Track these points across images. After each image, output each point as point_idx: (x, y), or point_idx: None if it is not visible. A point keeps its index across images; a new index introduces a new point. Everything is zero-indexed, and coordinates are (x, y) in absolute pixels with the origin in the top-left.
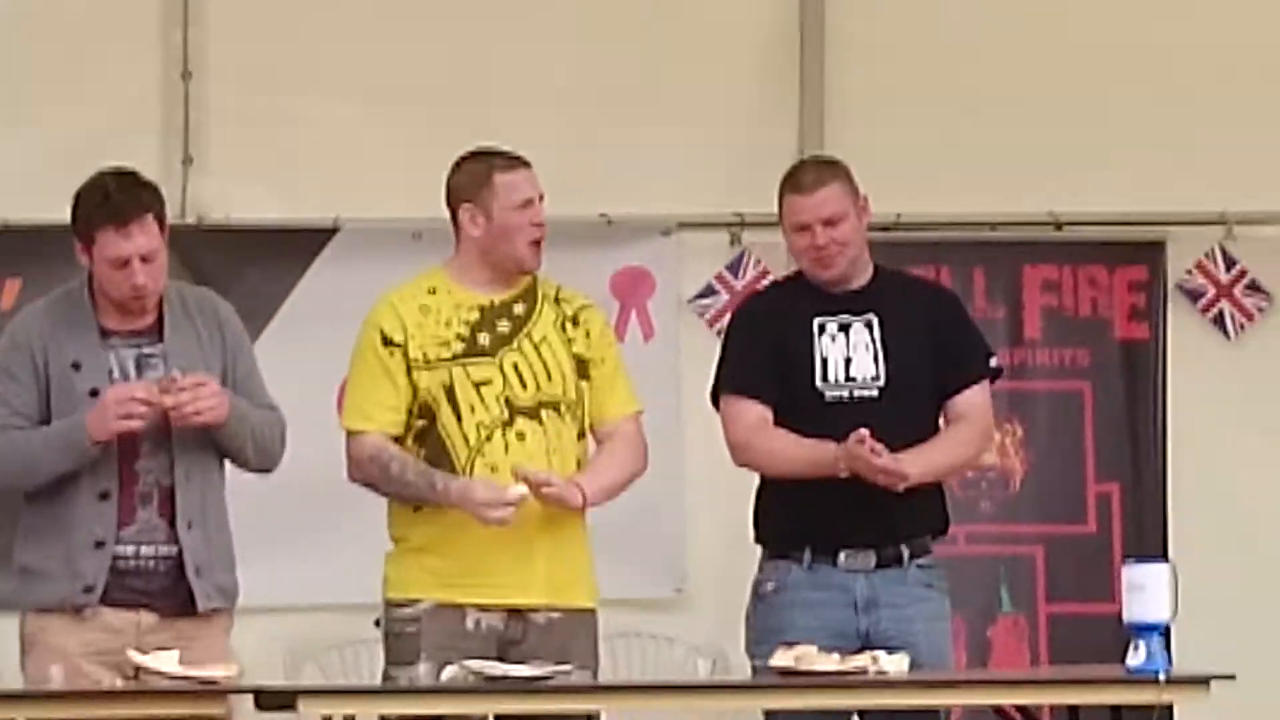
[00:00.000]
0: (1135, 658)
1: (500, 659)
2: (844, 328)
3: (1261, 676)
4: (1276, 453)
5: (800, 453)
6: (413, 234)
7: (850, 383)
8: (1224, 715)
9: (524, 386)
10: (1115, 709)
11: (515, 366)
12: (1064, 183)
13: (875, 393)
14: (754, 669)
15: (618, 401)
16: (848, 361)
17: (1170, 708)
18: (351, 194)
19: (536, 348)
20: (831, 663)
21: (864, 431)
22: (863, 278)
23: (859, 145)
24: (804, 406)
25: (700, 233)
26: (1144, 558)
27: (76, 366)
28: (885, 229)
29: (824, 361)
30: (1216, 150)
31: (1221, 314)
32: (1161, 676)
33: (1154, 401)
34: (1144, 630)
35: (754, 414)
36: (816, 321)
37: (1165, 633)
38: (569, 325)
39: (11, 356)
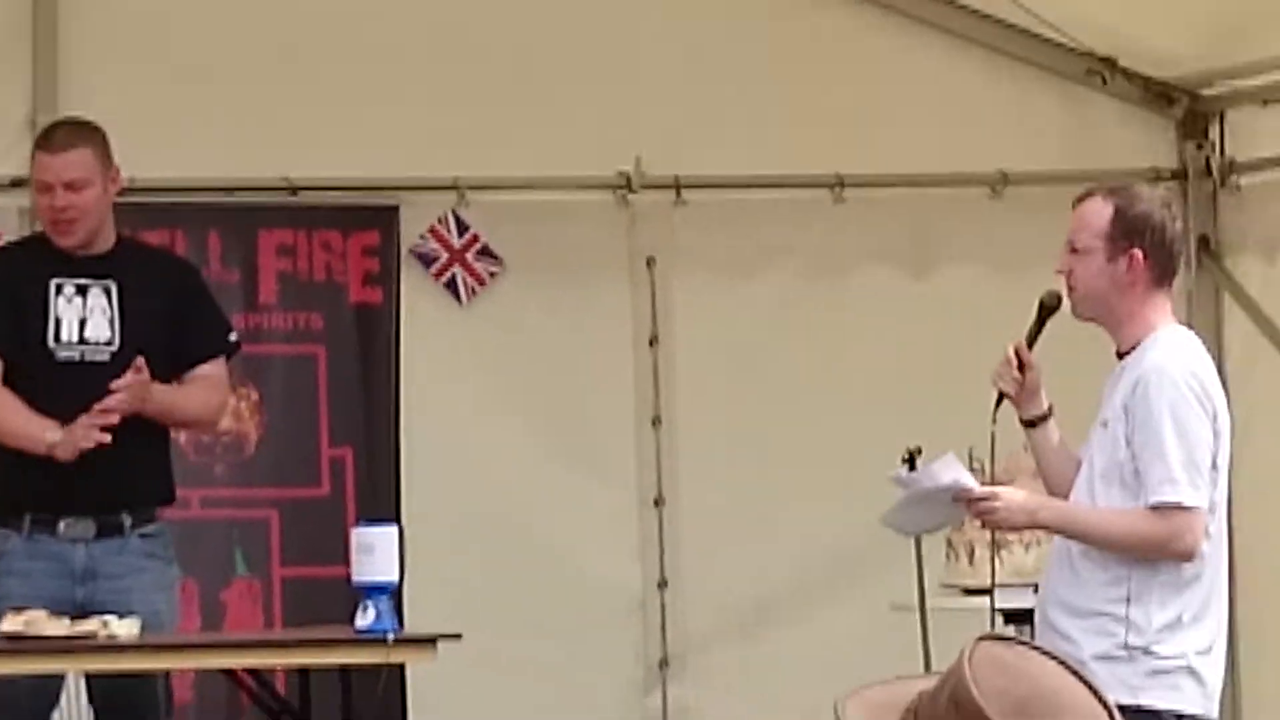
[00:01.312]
0: (364, 618)
1: None
2: (81, 290)
3: (492, 635)
4: (504, 416)
5: (13, 424)
6: None
7: (83, 345)
8: (454, 674)
9: None
10: (345, 669)
11: None
12: (299, 147)
13: (107, 357)
14: None
15: None
16: (82, 323)
17: (402, 667)
18: None
19: None
20: (62, 627)
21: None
22: (105, 245)
23: (95, 104)
24: (36, 365)
25: None
26: (374, 520)
27: None
28: (121, 191)
29: (58, 322)
30: (450, 116)
31: (454, 279)
32: (390, 637)
33: (387, 365)
34: (373, 591)
35: None
36: (54, 282)
37: (396, 594)
38: None
39: None
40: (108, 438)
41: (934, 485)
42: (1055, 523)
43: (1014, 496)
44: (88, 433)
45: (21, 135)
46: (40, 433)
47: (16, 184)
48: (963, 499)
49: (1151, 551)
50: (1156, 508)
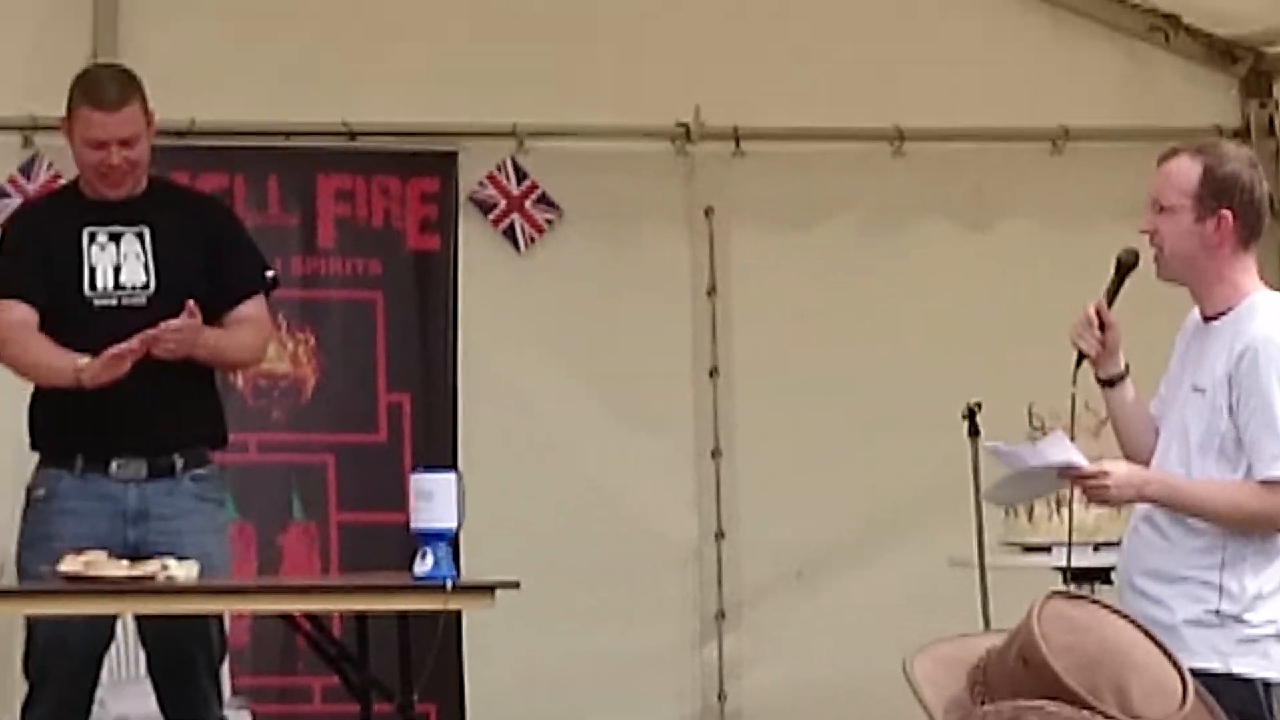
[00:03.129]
0: (423, 565)
1: None
2: (115, 237)
3: (547, 584)
4: (562, 365)
5: (43, 358)
6: None
7: (120, 291)
8: (510, 622)
9: None
10: (403, 615)
11: None
12: (359, 93)
13: (144, 301)
14: (20, 573)
15: None
16: (117, 270)
17: (459, 614)
18: None
19: None
20: (121, 569)
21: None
22: (138, 189)
23: (153, 48)
24: (73, 314)
25: None
26: (432, 467)
27: None
28: (179, 134)
29: (92, 270)
30: (510, 63)
31: (512, 226)
32: (448, 584)
33: (445, 312)
34: (431, 538)
35: (16, 315)
36: (87, 230)
37: (453, 541)
38: None
39: None
40: (127, 365)
41: (1042, 464)
42: (1162, 496)
43: (1119, 471)
44: (116, 360)
45: None
46: (69, 362)
47: None
48: (1071, 476)
49: (1259, 526)
50: (1267, 482)
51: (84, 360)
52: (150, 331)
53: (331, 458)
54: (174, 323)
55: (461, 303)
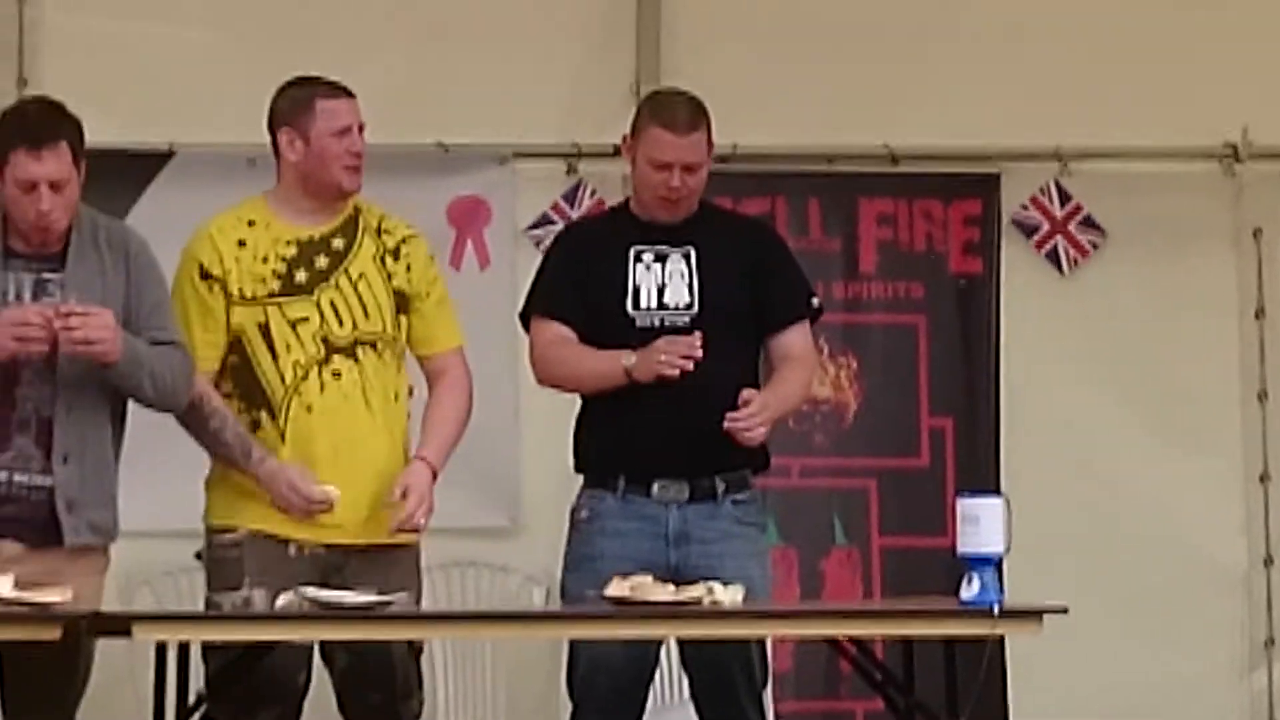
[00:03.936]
0: (969, 590)
1: (324, 585)
2: (661, 257)
3: (1092, 609)
4: (1106, 388)
5: (588, 364)
6: (247, 160)
7: (663, 310)
8: (1054, 648)
9: (341, 324)
10: (948, 641)
11: (332, 304)
12: (900, 116)
13: (687, 320)
14: (564, 595)
15: (444, 335)
16: (661, 289)
17: (1002, 640)
18: (186, 119)
19: (354, 284)
20: (667, 593)
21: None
22: (690, 213)
23: (696, 75)
24: (615, 332)
25: (536, 162)
26: (977, 491)
27: None
28: (722, 159)
29: (636, 289)
30: (1052, 84)
31: (1056, 249)
32: (995, 609)
33: (987, 336)
34: (977, 563)
35: (556, 332)
36: (634, 250)
37: (998, 566)
38: (389, 259)
39: None
40: (687, 365)
41: None
42: None
43: None
44: (669, 358)
45: (625, 105)
46: (616, 360)
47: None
48: None
49: None
50: None
51: (629, 358)
52: (691, 349)
53: (873, 482)
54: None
55: (1004, 326)
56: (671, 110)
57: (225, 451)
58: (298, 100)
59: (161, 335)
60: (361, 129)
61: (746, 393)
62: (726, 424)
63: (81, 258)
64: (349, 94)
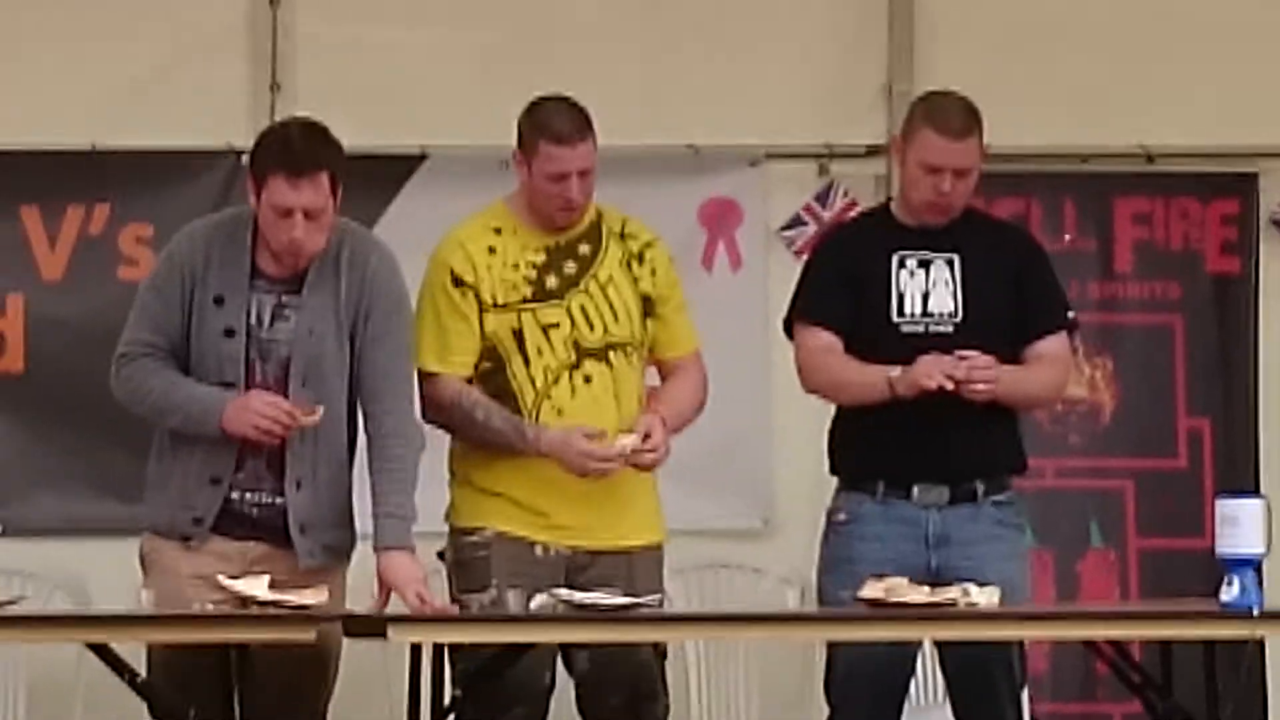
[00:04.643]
0: (1229, 593)
1: (569, 586)
2: (924, 264)
3: None
4: None
5: (852, 375)
6: (500, 162)
7: (927, 318)
8: None
9: (591, 329)
10: (1208, 644)
11: (583, 308)
12: (1155, 114)
13: (951, 329)
14: (821, 598)
15: (685, 338)
16: (925, 296)
17: (1262, 643)
18: (438, 122)
19: (603, 289)
20: (922, 595)
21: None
22: (952, 216)
23: (948, 76)
24: (879, 339)
25: (788, 163)
26: (1236, 492)
27: (219, 301)
28: None
29: (901, 296)
30: None
31: None
32: (1255, 611)
33: (1246, 336)
34: (1237, 565)
35: (822, 340)
36: (897, 256)
37: (1258, 568)
38: (634, 263)
39: (167, 274)
40: (948, 384)
41: None
42: None
43: None
44: (931, 370)
45: (877, 105)
46: (881, 374)
47: (872, 151)
48: None
49: None
50: None
51: (894, 371)
52: (954, 369)
53: (1130, 483)
54: (980, 359)
55: (1262, 326)
56: (945, 114)
57: (498, 438)
58: (528, 134)
59: (388, 377)
60: (585, 174)
61: (985, 358)
62: (963, 369)
63: (320, 282)
64: (580, 135)
